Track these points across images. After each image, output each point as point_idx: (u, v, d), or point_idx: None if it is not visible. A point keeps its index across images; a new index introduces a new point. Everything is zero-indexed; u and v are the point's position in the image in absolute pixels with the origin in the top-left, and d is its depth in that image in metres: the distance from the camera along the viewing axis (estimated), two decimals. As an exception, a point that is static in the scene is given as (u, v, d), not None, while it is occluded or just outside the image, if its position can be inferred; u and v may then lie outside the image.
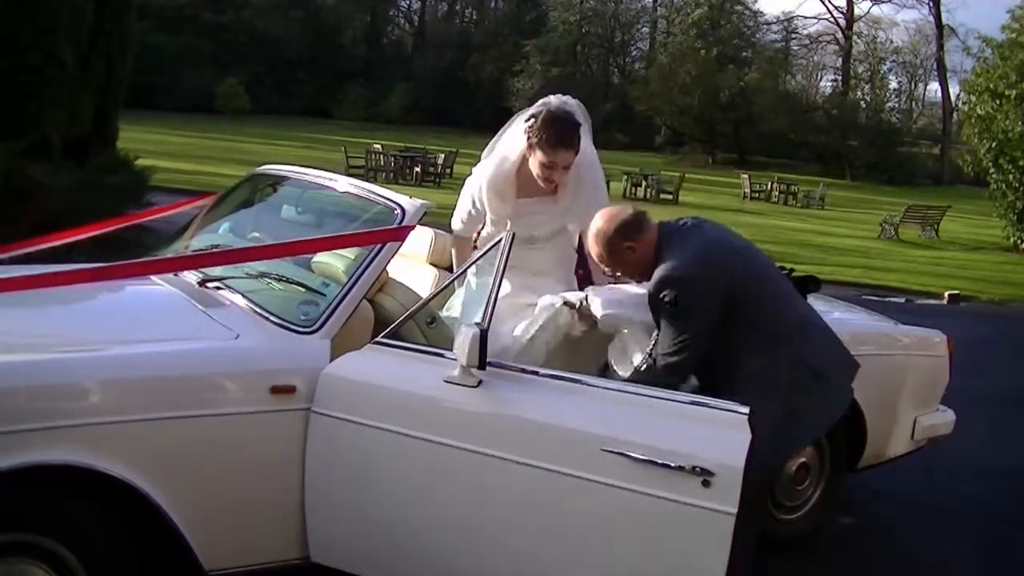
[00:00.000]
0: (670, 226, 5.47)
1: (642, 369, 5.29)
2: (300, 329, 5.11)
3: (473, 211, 6.14)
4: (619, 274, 5.66)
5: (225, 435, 4.77)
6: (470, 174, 6.27)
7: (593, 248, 5.53)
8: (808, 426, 5.55)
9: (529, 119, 5.82)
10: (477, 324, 4.65)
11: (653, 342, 5.28)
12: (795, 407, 5.24)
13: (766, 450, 4.80)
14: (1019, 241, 34.95)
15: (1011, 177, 34.36)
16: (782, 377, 5.25)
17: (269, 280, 5.56)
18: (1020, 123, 33.38)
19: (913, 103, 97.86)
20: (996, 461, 9.37)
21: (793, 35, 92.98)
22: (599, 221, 5.46)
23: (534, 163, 5.83)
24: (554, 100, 5.97)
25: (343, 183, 6.21)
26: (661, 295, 5.16)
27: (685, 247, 5.33)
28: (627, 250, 5.38)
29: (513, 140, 6.04)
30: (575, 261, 6.40)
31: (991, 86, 34.77)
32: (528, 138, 5.76)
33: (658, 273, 5.22)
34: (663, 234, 5.42)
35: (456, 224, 6.30)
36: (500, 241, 5.13)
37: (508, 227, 5.64)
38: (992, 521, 7.95)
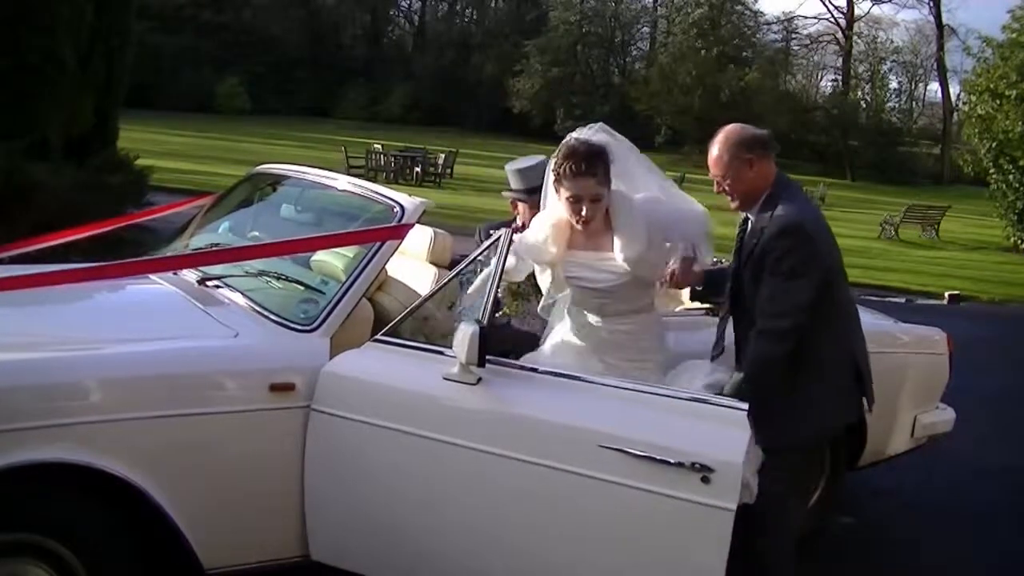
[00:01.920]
0: (782, 174, 5.46)
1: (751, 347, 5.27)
2: (299, 327, 5.13)
3: (520, 266, 5.56)
4: (724, 189, 5.47)
5: (225, 433, 4.78)
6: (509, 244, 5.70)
7: (714, 148, 5.46)
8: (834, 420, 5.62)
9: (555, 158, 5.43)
10: (476, 321, 4.66)
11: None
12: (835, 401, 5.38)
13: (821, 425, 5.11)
14: (1019, 241, 34.98)
15: (1011, 177, 34.40)
16: (839, 368, 5.31)
17: (268, 278, 5.58)
18: (1020, 123, 33.40)
19: (913, 103, 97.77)
20: (996, 460, 9.38)
21: (793, 35, 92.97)
22: (731, 126, 5.47)
23: (562, 202, 5.37)
24: (580, 131, 5.59)
25: (342, 182, 6.22)
26: (782, 244, 5.13)
27: (804, 200, 5.39)
28: (746, 163, 5.34)
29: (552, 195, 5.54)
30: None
31: (991, 86, 34.79)
32: (555, 178, 5.37)
33: (784, 218, 5.18)
34: (780, 177, 5.40)
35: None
36: (499, 238, 5.14)
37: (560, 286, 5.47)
38: (992, 521, 7.95)
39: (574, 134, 5.46)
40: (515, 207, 6.65)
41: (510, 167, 6.65)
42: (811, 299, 5.12)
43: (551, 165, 5.40)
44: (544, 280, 5.51)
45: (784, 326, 5.12)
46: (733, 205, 5.48)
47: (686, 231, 5.46)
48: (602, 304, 5.33)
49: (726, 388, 5.08)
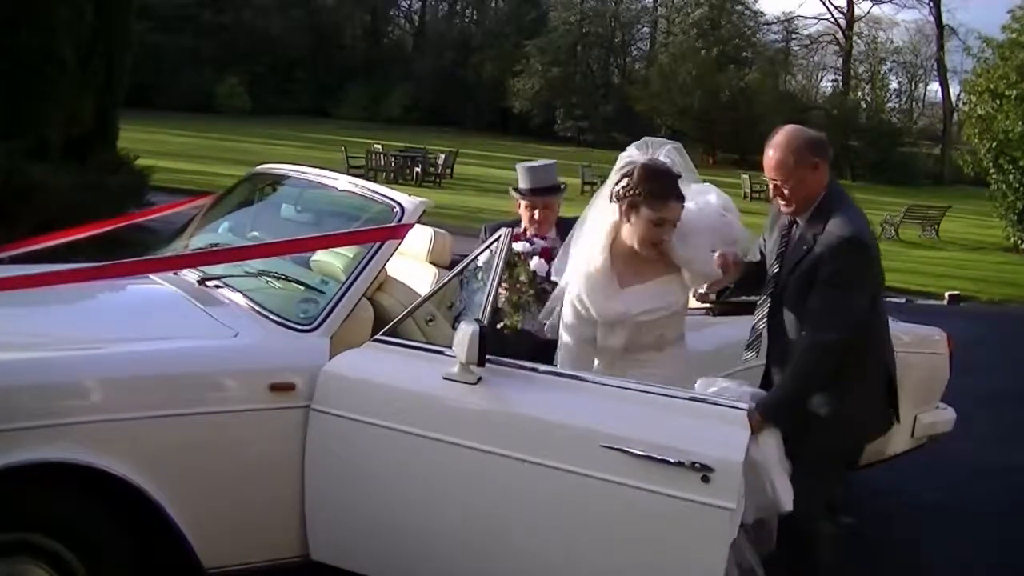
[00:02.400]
0: (835, 181, 5.39)
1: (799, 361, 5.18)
2: (299, 327, 5.13)
3: (583, 331, 5.31)
4: (782, 193, 5.24)
5: (225, 433, 4.79)
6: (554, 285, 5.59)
7: (776, 151, 5.22)
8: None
9: (620, 180, 5.17)
10: (476, 320, 4.66)
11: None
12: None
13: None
14: (1019, 241, 34.96)
15: (1011, 177, 34.40)
16: (874, 380, 5.36)
17: (268, 278, 5.58)
18: (1020, 123, 33.39)
19: (913, 103, 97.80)
20: (996, 460, 9.38)
21: (793, 35, 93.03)
22: (791, 127, 5.33)
23: (638, 226, 5.09)
24: (638, 154, 5.31)
25: (342, 182, 6.22)
26: (843, 258, 5.05)
27: (858, 211, 5.27)
28: (812, 167, 5.19)
29: (597, 219, 5.33)
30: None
31: (991, 86, 34.78)
32: (624, 201, 5.09)
33: (846, 230, 5.08)
34: (833, 184, 5.32)
35: (566, 339, 5.42)
36: (499, 238, 5.14)
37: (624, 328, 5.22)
38: (992, 521, 7.95)
39: (637, 154, 5.27)
40: (522, 207, 6.67)
41: (522, 166, 6.67)
42: (863, 314, 5.11)
43: (600, 202, 5.28)
44: (605, 331, 5.24)
45: (833, 339, 5.04)
46: (788, 210, 5.31)
47: (727, 234, 5.39)
48: (663, 333, 5.22)
49: (759, 403, 5.09)
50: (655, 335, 5.18)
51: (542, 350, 5.57)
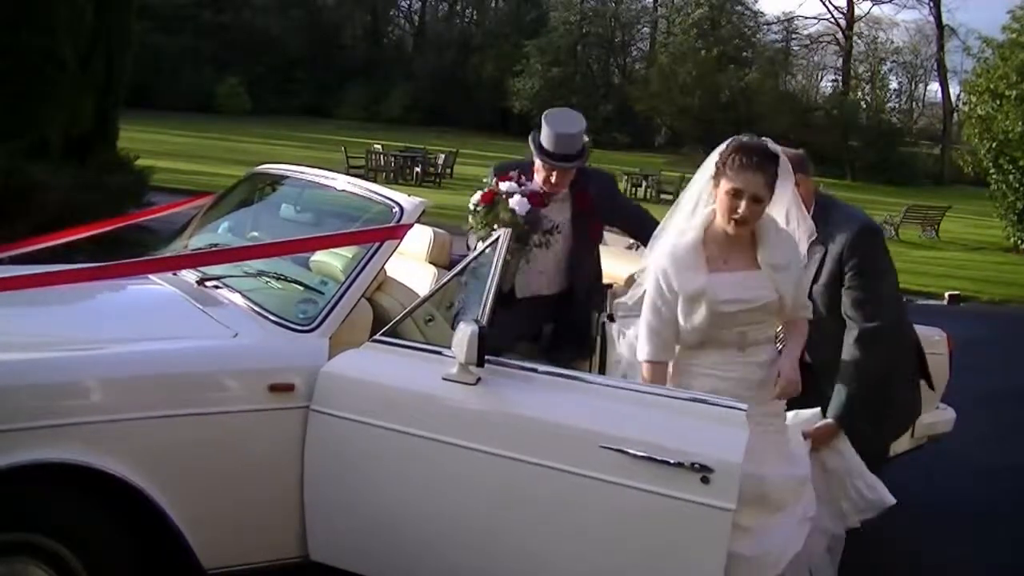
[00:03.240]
0: (819, 190, 5.59)
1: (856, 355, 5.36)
2: (298, 327, 5.13)
3: (664, 310, 5.03)
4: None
5: (224, 433, 4.79)
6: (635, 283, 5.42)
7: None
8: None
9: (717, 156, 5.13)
10: (475, 321, 4.66)
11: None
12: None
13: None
14: (1019, 241, 35.00)
15: (1011, 177, 34.45)
16: (910, 360, 5.71)
17: (267, 279, 5.58)
18: (1020, 123, 33.41)
19: (913, 103, 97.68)
20: (996, 461, 9.38)
21: (793, 35, 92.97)
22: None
23: (719, 197, 5.01)
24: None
25: (341, 182, 6.22)
26: (863, 246, 5.35)
27: (849, 205, 5.57)
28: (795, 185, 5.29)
29: (694, 192, 5.25)
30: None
31: (991, 86, 34.81)
32: (716, 172, 5.02)
33: (855, 223, 5.40)
34: (819, 192, 5.53)
35: (643, 350, 5.10)
36: (499, 238, 5.14)
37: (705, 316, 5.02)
38: (992, 521, 7.95)
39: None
40: (536, 162, 6.58)
41: (549, 122, 6.57)
42: (897, 293, 5.27)
43: (714, 158, 5.09)
44: (686, 308, 5.04)
45: (879, 326, 5.30)
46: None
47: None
48: (745, 332, 5.06)
49: (829, 412, 5.14)
50: (736, 331, 5.02)
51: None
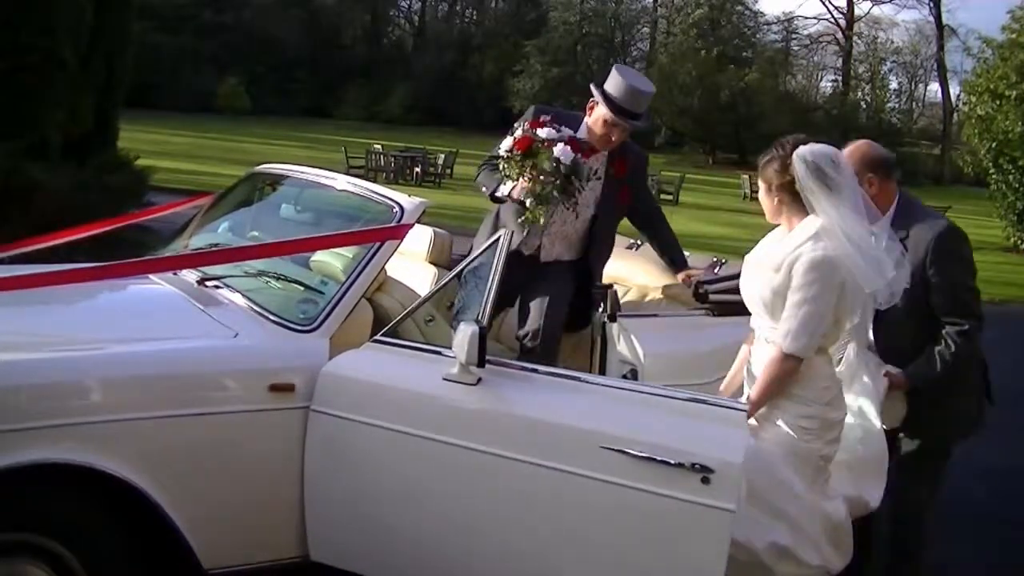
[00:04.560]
0: (907, 194, 5.80)
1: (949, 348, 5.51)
2: (299, 328, 5.13)
3: (829, 307, 4.88)
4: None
5: (224, 434, 4.79)
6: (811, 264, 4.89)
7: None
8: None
9: None
10: (476, 321, 4.66)
11: None
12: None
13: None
14: (1019, 241, 35.00)
15: (1011, 177, 34.45)
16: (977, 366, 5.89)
17: (268, 279, 5.58)
18: (1020, 123, 33.40)
19: (913, 103, 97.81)
20: (997, 461, 9.36)
21: (793, 35, 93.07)
22: (860, 142, 5.92)
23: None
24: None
25: (341, 182, 6.21)
26: (953, 248, 5.56)
27: (934, 211, 5.87)
28: (865, 181, 5.55)
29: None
30: None
31: (991, 86, 34.79)
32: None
33: (941, 225, 5.61)
34: (905, 196, 5.73)
35: (796, 344, 4.84)
36: (499, 239, 5.13)
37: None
38: (992, 521, 7.95)
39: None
40: (596, 113, 6.41)
41: (622, 75, 6.43)
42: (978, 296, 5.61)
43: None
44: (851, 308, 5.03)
45: (972, 325, 5.54)
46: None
47: None
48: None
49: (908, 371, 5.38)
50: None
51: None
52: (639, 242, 7.41)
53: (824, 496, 4.99)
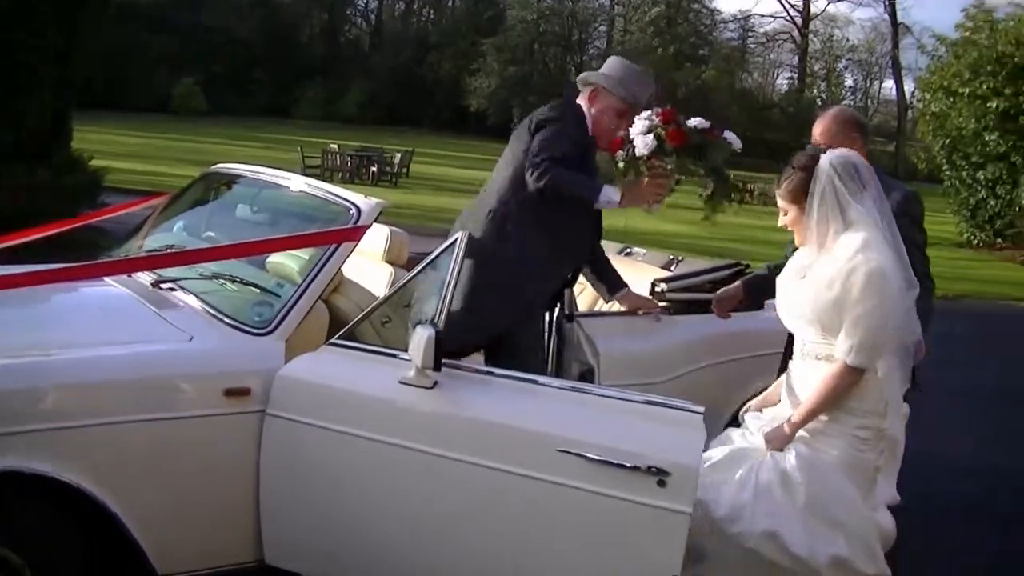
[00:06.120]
0: None
1: None
2: (254, 330, 5.10)
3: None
4: None
5: (179, 438, 4.74)
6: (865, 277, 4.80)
7: (823, 119, 5.99)
8: None
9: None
10: (432, 324, 4.64)
11: None
12: None
13: None
14: (972, 237, 35.38)
15: (964, 174, 34.93)
16: None
17: (223, 281, 5.54)
18: (973, 121, 33.81)
19: (868, 100, 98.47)
20: (946, 452, 9.41)
21: (750, 33, 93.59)
22: (841, 107, 6.25)
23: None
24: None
25: (298, 182, 6.18)
26: (914, 210, 5.78)
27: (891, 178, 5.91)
28: (851, 140, 5.72)
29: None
30: None
31: (945, 84, 35.17)
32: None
33: (904, 189, 5.86)
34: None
35: (859, 357, 4.80)
36: (456, 240, 5.11)
37: None
38: (952, 518, 7.97)
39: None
40: (614, 112, 5.96)
41: (633, 67, 6.14)
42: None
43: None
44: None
45: (929, 285, 5.71)
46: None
47: None
48: None
49: None
50: None
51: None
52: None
53: (875, 505, 5.03)
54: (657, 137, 5.59)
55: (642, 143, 5.60)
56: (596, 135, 5.98)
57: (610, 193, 5.62)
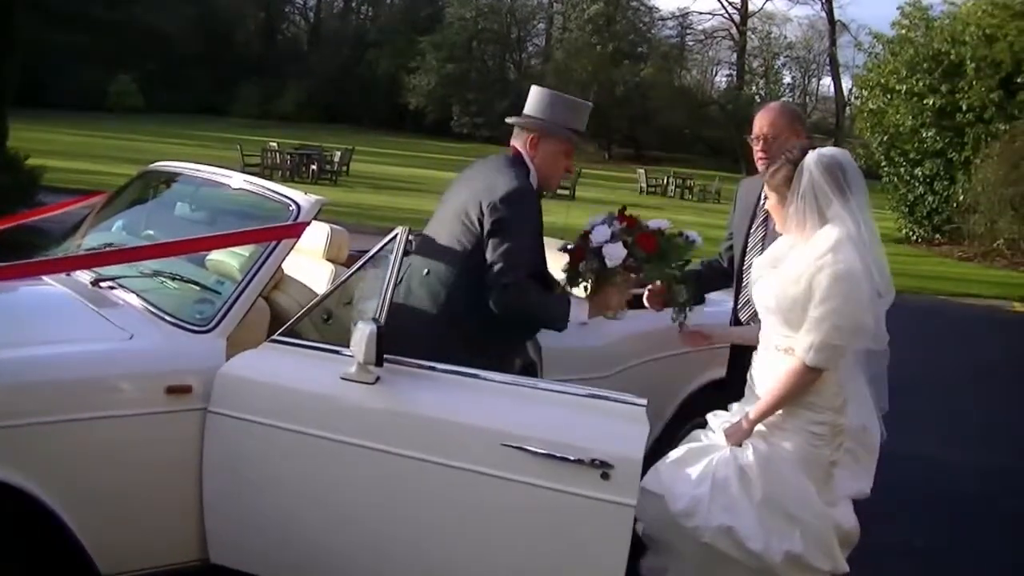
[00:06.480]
0: None
1: None
2: (195, 328, 5.06)
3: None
4: (764, 150, 5.87)
5: (121, 437, 4.71)
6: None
7: (770, 112, 6.01)
8: None
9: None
10: (374, 320, 4.62)
11: None
12: None
13: None
14: (911, 233, 35.72)
15: (902, 170, 35.33)
16: None
17: (163, 279, 5.50)
18: (910, 117, 34.17)
19: (807, 98, 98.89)
20: (900, 449, 9.48)
21: (688, 31, 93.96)
22: (785, 102, 6.35)
23: None
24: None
25: (237, 180, 6.13)
26: None
27: None
28: (795, 134, 5.86)
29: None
30: None
31: (882, 81, 35.60)
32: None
33: None
34: None
35: (818, 358, 4.85)
36: (397, 236, 5.10)
37: None
38: (898, 512, 8.03)
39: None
40: (560, 154, 5.65)
41: (563, 97, 5.76)
42: None
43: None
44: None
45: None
46: (765, 169, 5.48)
47: None
48: None
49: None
50: None
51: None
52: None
53: (833, 500, 5.04)
54: (626, 245, 5.36)
55: (612, 253, 5.33)
56: (544, 180, 5.64)
57: (578, 313, 5.35)
